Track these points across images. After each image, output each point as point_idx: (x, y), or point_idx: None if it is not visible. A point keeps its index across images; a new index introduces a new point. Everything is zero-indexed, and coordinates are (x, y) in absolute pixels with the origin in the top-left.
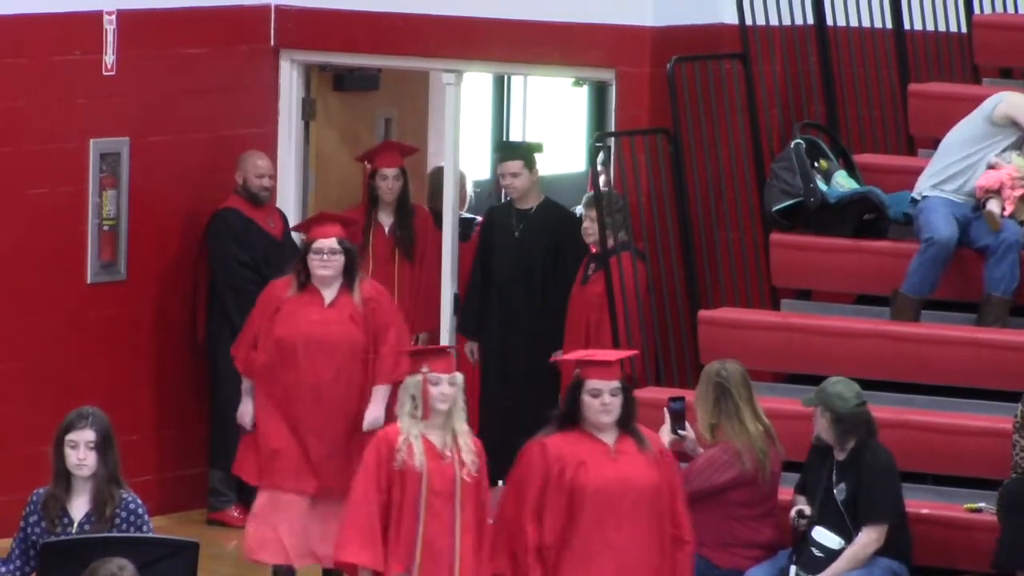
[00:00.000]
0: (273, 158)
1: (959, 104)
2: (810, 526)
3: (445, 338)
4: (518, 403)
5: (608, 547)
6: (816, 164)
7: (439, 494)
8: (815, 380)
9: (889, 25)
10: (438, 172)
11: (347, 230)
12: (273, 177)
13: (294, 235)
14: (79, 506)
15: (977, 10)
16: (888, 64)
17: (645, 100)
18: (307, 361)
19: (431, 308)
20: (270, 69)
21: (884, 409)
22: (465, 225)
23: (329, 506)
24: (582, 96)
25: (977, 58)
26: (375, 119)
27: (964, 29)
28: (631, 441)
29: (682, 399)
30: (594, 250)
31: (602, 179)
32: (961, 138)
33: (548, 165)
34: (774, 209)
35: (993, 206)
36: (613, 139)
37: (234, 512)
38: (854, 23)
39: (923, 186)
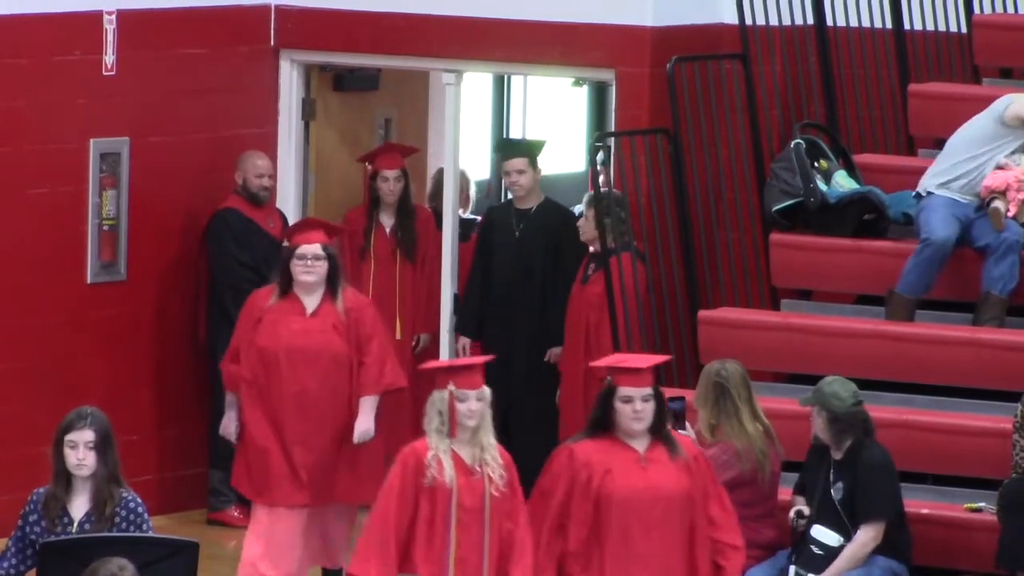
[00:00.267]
0: (273, 158)
1: (959, 104)
2: (809, 526)
3: (445, 339)
4: (518, 403)
5: (637, 556)
6: (816, 164)
7: (469, 510)
8: (815, 380)
9: (889, 25)
10: (442, 173)
11: (331, 236)
12: (273, 177)
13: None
14: (79, 506)
15: (977, 10)
16: (888, 64)
17: (645, 100)
18: (290, 371)
19: (433, 309)
20: (270, 69)
21: (884, 409)
22: (466, 226)
23: (322, 512)
24: (582, 96)
25: (977, 58)
26: (375, 119)
27: (964, 29)
28: (663, 448)
29: (682, 399)
30: (592, 249)
31: (602, 179)
32: (969, 138)
33: (548, 165)
34: (774, 209)
35: (998, 205)
36: (613, 139)
37: (234, 512)
38: (854, 23)
39: (928, 183)
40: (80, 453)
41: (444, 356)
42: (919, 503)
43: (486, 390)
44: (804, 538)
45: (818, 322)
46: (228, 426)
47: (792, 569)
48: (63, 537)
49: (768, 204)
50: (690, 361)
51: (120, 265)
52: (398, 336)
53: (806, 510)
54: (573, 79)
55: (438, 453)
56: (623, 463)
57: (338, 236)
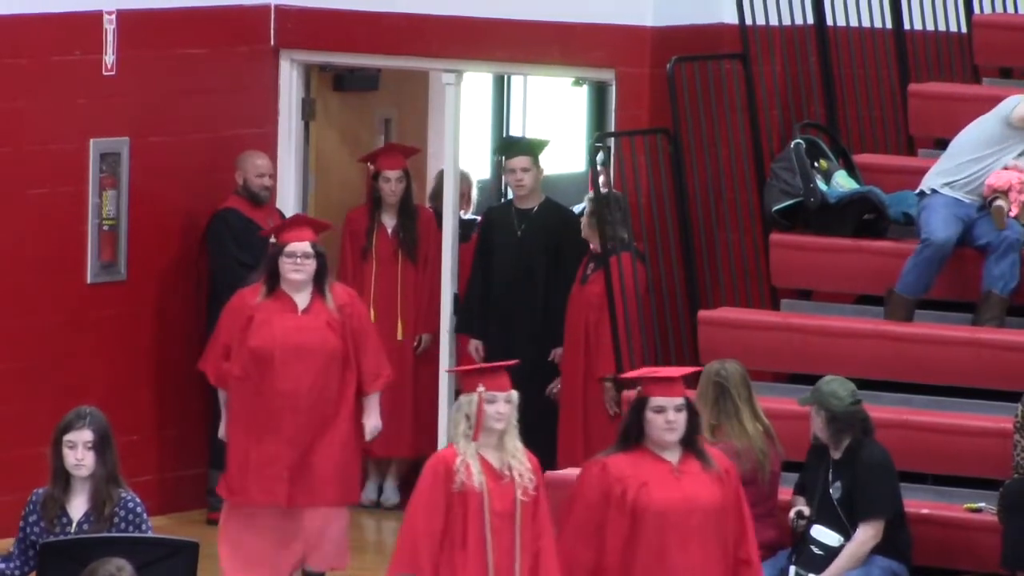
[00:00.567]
0: (273, 158)
1: (959, 104)
2: (809, 526)
3: (445, 339)
4: (523, 405)
5: (674, 569)
6: (816, 164)
7: (500, 515)
8: (815, 380)
9: (889, 25)
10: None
11: (319, 235)
12: (273, 176)
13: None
14: (78, 506)
15: (977, 10)
16: (888, 64)
17: (645, 100)
18: (284, 369)
19: (434, 309)
20: (270, 69)
21: (884, 409)
22: (466, 226)
23: (305, 513)
24: (582, 96)
25: (977, 58)
26: (375, 119)
27: (964, 29)
28: (695, 459)
29: None
30: (592, 247)
31: (602, 179)
32: (975, 138)
33: (548, 165)
34: (774, 209)
35: (1001, 204)
36: (613, 139)
37: None
38: (854, 23)
39: (932, 182)
40: (79, 453)
41: (444, 357)
42: (919, 503)
43: (514, 393)
44: (804, 538)
45: (818, 322)
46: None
47: (792, 569)
48: (62, 537)
49: (768, 204)
50: (690, 361)
51: (120, 265)
52: (399, 337)
53: (806, 510)
54: (573, 79)
55: (466, 458)
56: (658, 475)
57: (324, 232)
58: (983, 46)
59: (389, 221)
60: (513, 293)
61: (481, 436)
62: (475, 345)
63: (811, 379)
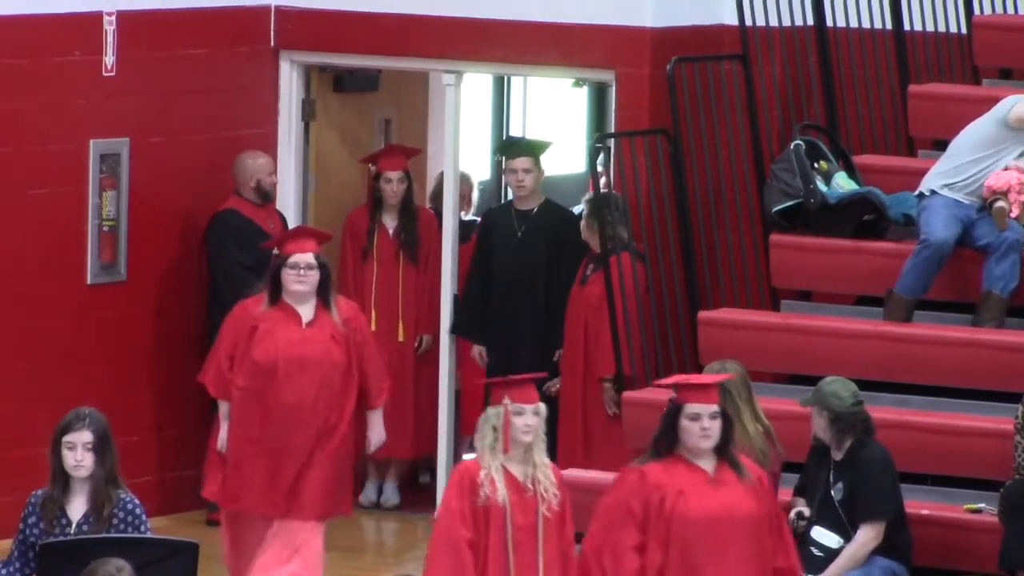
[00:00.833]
0: (273, 159)
1: (959, 105)
2: (809, 527)
3: (445, 339)
4: None
5: None
6: (816, 165)
7: (521, 528)
8: (815, 381)
9: (889, 26)
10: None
11: (322, 245)
12: (275, 173)
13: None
14: (77, 507)
15: (977, 11)
16: (888, 65)
17: (645, 101)
18: (288, 381)
19: (436, 310)
20: (270, 70)
21: (883, 410)
22: (466, 227)
23: (293, 526)
24: (582, 97)
25: (977, 59)
26: (375, 120)
27: (964, 30)
28: (729, 468)
29: None
30: (591, 245)
31: (602, 180)
32: (973, 140)
33: (548, 166)
34: (774, 210)
35: (1002, 204)
36: (613, 140)
37: None
38: (854, 24)
39: (932, 183)
40: (78, 454)
41: (444, 357)
42: (919, 504)
43: (542, 405)
44: (804, 539)
45: (818, 322)
46: (226, 438)
47: None
48: (62, 538)
49: (768, 205)
50: (690, 362)
51: (120, 266)
52: (400, 338)
53: (806, 511)
54: (573, 80)
55: (491, 472)
56: (694, 484)
57: (326, 242)
58: (983, 47)
59: (390, 222)
60: (513, 294)
61: (509, 448)
62: (478, 351)
63: (811, 380)
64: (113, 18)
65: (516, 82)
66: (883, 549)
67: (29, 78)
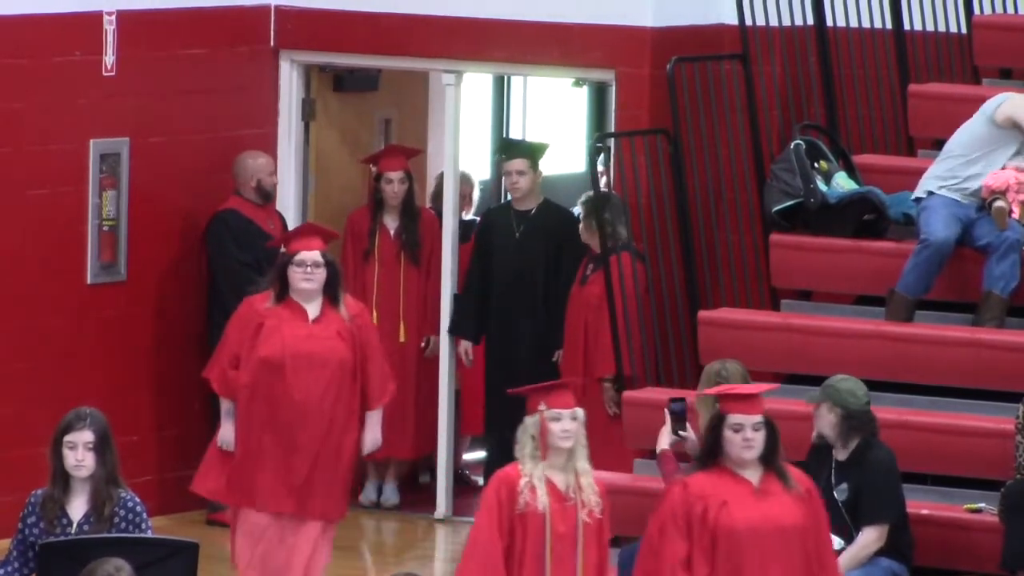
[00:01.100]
0: (273, 159)
1: (959, 105)
2: None
3: (445, 340)
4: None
5: None
6: (816, 165)
7: (561, 537)
8: (815, 380)
9: (889, 25)
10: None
11: (328, 243)
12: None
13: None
14: (78, 507)
15: (977, 10)
16: (888, 65)
17: (645, 101)
18: (294, 377)
19: (438, 311)
20: (270, 69)
21: (884, 410)
22: (466, 227)
23: (304, 524)
24: (582, 96)
25: (977, 59)
26: (375, 120)
27: (964, 30)
28: (776, 478)
29: (683, 400)
30: (591, 245)
31: (602, 180)
32: (964, 140)
33: (548, 165)
34: (774, 210)
35: (1002, 204)
36: (613, 140)
37: None
38: (854, 23)
39: (929, 185)
40: (79, 454)
41: (444, 358)
42: (919, 503)
43: (580, 411)
44: None
45: (818, 322)
46: (228, 435)
47: None
48: (62, 538)
49: (768, 205)
50: (690, 361)
51: (120, 265)
52: (401, 339)
53: None
54: (573, 80)
55: (532, 480)
56: (738, 495)
57: (332, 240)
58: (983, 47)
59: (391, 223)
60: (512, 294)
61: (549, 456)
62: (464, 347)
63: (811, 379)
64: (113, 18)
65: (516, 82)
66: (884, 550)
67: (29, 78)
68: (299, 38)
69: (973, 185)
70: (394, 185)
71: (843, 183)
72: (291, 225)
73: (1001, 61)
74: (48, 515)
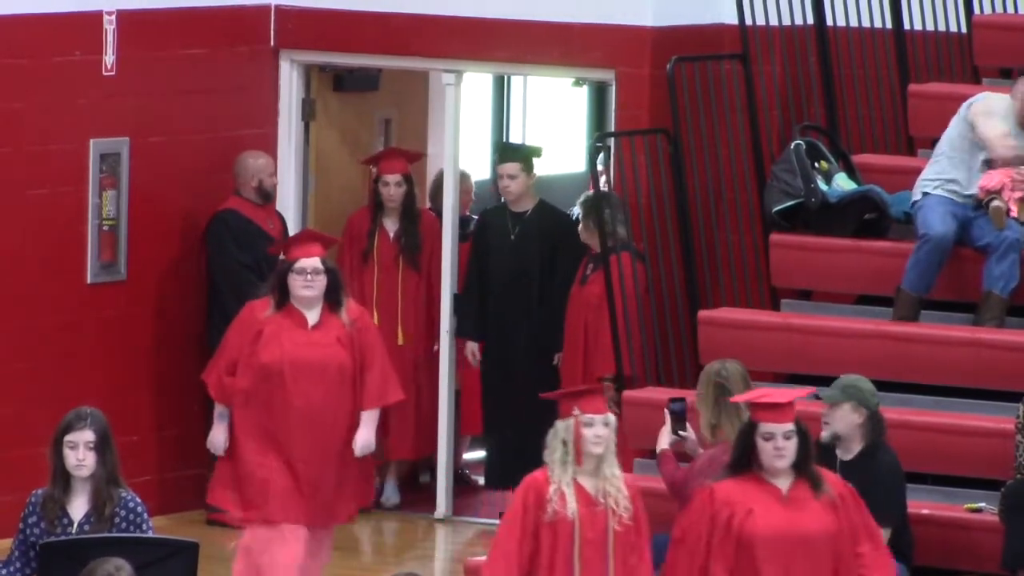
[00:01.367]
0: (273, 159)
1: (959, 105)
2: None
3: (446, 340)
4: (523, 407)
5: None
6: (816, 166)
7: (590, 543)
8: (815, 380)
9: (889, 25)
10: (443, 175)
11: (327, 248)
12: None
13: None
14: (78, 506)
15: (977, 10)
16: (888, 64)
17: (645, 100)
18: (294, 384)
19: (438, 314)
20: (270, 69)
21: (884, 409)
22: (465, 224)
23: (318, 533)
24: (582, 96)
25: (977, 58)
26: (375, 120)
27: (964, 29)
28: (806, 485)
29: (682, 400)
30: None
31: (602, 180)
32: (948, 141)
33: (548, 165)
34: (775, 210)
35: (999, 204)
36: (613, 139)
37: None
38: (854, 23)
39: (923, 188)
40: (80, 454)
41: (445, 358)
42: (919, 503)
43: (611, 416)
44: None
45: (818, 322)
46: (218, 438)
47: None
48: (63, 538)
49: (768, 205)
50: (690, 361)
51: (120, 265)
52: (400, 341)
53: None
54: (573, 79)
55: (561, 486)
56: (765, 502)
57: (332, 246)
58: (983, 46)
59: (391, 225)
60: (508, 295)
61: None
62: (471, 348)
63: (811, 379)
64: (113, 18)
65: (516, 82)
66: None
67: (29, 78)
68: (299, 38)
69: (964, 183)
70: (391, 188)
71: (843, 183)
72: (291, 225)
73: (1001, 61)
74: (49, 515)
